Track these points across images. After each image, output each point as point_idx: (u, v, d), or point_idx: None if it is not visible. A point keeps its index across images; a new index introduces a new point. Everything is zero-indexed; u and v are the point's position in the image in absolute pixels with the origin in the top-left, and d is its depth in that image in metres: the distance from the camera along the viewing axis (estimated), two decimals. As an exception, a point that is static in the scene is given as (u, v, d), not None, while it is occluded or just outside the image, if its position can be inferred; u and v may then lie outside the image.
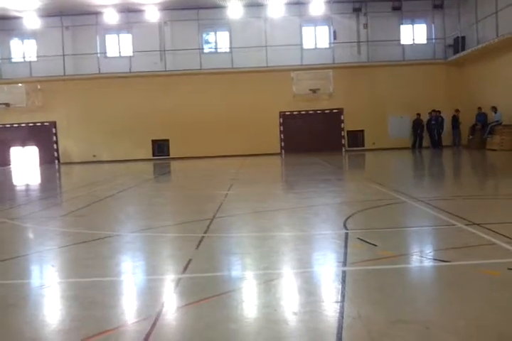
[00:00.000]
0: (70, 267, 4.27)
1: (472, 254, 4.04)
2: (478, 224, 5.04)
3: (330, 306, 2.93)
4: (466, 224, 5.10)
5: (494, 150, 18.70)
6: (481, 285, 3.26)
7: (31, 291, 3.62)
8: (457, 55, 22.43)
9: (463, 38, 22.41)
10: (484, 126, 20.07)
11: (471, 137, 21.11)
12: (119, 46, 24.67)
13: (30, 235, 6.01)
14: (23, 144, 24.32)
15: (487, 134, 19.75)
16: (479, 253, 4.07)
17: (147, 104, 23.51)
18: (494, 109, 19.50)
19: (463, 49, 22.08)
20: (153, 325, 2.74)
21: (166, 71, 23.74)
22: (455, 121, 22.34)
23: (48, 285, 3.69)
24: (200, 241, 4.90)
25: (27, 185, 14.02)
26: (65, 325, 2.82)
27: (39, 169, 21.30)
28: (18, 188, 13.44)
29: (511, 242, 4.22)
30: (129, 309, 3.14)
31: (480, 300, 2.99)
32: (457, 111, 22.31)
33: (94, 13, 23.51)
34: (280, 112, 23.97)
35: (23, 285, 3.74)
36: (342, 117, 23.97)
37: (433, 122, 22.94)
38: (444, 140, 23.11)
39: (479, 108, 20.58)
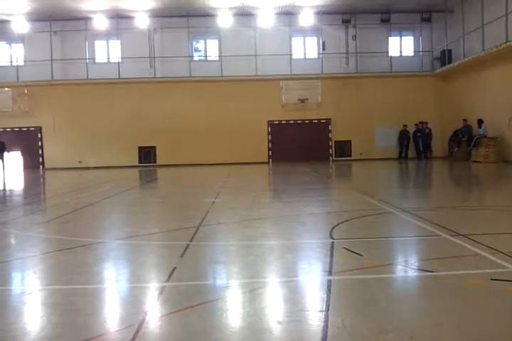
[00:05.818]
0: (52, 274, 4.21)
1: (456, 265, 4.06)
2: (463, 235, 5.07)
3: (315, 315, 2.92)
4: (451, 235, 5.13)
5: (479, 162, 18.92)
6: (465, 295, 3.28)
7: (12, 298, 3.56)
8: (444, 68, 22.75)
9: (450, 51, 22.76)
10: (469, 139, 20.29)
11: (456, 149, 21.33)
12: (107, 52, 24.61)
13: (13, 241, 5.92)
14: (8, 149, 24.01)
15: (472, 146, 19.98)
16: (463, 263, 4.10)
17: (135, 110, 23.41)
18: (479, 122, 19.73)
19: (450, 62, 22.41)
20: (136, 333, 2.70)
21: (155, 78, 23.71)
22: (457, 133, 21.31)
23: (30, 292, 3.63)
24: (186, 250, 4.87)
25: (10, 191, 13.84)
26: (47, 333, 2.76)
27: (23, 174, 21.04)
28: (0, 193, 13.24)
29: (495, 253, 4.25)
30: (111, 317, 3.09)
31: (464, 310, 3.00)
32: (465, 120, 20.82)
33: (84, 19, 23.43)
34: (268, 121, 24.04)
35: (4, 292, 3.67)
36: (330, 127, 24.12)
37: (418, 134, 23.19)
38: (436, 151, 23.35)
39: (465, 120, 20.82)
